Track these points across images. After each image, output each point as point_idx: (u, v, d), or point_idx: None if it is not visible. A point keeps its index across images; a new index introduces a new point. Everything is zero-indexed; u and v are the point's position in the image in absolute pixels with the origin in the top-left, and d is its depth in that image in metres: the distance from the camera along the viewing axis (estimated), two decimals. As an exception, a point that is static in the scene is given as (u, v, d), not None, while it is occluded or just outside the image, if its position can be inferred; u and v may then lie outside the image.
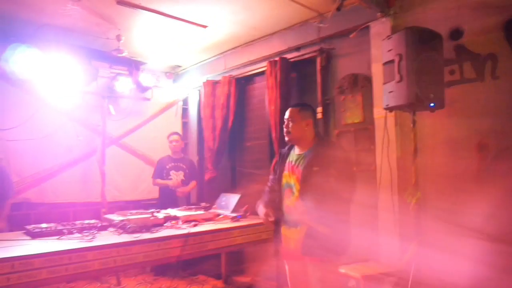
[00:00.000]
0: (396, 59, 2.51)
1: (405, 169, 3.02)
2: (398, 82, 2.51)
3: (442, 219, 2.85)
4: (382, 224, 3.12)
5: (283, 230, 2.31)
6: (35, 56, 3.71)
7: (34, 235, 2.64)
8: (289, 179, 2.29)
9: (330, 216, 2.12)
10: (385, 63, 2.66)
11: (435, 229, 2.87)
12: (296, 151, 2.35)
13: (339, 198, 2.10)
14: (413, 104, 2.48)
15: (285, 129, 2.33)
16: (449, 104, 2.73)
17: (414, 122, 2.64)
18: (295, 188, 2.23)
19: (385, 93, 2.66)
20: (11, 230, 3.10)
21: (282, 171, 2.35)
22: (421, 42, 2.48)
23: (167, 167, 4.47)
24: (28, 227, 2.81)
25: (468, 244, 2.68)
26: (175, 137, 4.55)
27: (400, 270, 2.60)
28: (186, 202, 4.52)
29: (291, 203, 2.24)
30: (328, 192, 2.07)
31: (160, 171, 4.47)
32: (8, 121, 4.03)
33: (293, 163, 2.30)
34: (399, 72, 2.50)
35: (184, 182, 4.45)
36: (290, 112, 2.34)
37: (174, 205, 3.91)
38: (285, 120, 2.34)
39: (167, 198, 4.32)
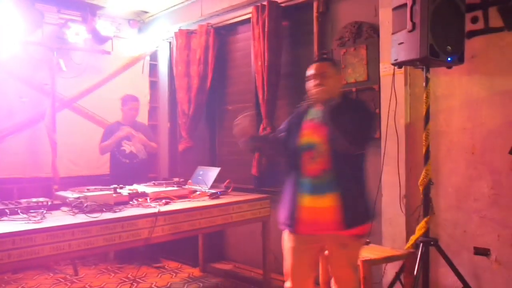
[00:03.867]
0: (409, 3, 2.47)
1: (415, 138, 3.05)
2: (410, 31, 2.48)
3: (456, 197, 2.91)
4: (386, 204, 3.18)
5: (304, 200, 2.27)
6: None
7: (-31, 216, 2.60)
8: (311, 138, 2.31)
9: (361, 172, 2.34)
10: (395, 8, 2.62)
11: (448, 209, 2.94)
12: (316, 108, 2.39)
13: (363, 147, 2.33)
14: (427, 58, 2.47)
15: (314, 83, 2.33)
16: (470, 59, 2.73)
17: (427, 81, 2.63)
18: (321, 148, 2.25)
19: (393, 45, 2.63)
20: None
21: (298, 131, 2.37)
22: (439, -18, 2.44)
23: None
24: (-38, 206, 2.77)
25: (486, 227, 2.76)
26: (136, 104, 4.53)
27: (406, 254, 2.66)
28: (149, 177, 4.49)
29: (316, 166, 2.26)
30: (357, 138, 2.21)
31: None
32: None
33: (315, 120, 2.35)
34: (411, 19, 2.47)
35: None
36: (321, 66, 2.38)
37: (132, 181, 3.85)
38: (311, 76, 2.36)
39: (122, 173, 4.30)
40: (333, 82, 2.35)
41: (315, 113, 2.37)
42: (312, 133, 2.32)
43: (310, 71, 2.38)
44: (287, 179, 2.39)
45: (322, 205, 2.24)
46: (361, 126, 2.22)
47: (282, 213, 2.38)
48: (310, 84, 2.37)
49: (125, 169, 4.35)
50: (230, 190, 3.65)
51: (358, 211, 2.25)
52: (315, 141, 2.29)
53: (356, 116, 2.21)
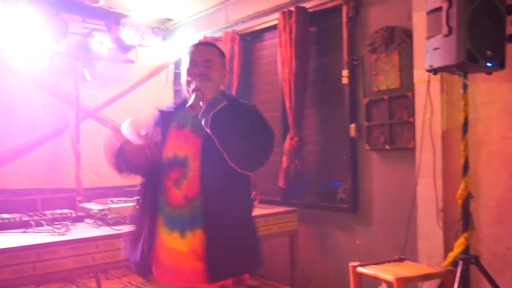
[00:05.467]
0: (444, 6, 2.43)
1: (452, 148, 2.99)
2: (446, 36, 2.45)
3: (498, 211, 2.83)
4: (421, 218, 3.12)
5: (162, 236, 1.74)
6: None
7: (-6, 227, 2.69)
8: (178, 151, 1.77)
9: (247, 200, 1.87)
10: (429, 12, 2.59)
11: (489, 224, 2.86)
12: (189, 110, 1.76)
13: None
14: (465, 64, 2.42)
15: (195, 74, 1.78)
16: (511, 64, 2.67)
17: (465, 87, 2.58)
18: (192, 164, 1.74)
19: (428, 51, 2.60)
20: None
21: (163, 141, 1.80)
22: (477, -16, 2.40)
23: None
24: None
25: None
26: None
27: (444, 272, 2.60)
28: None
29: (180, 191, 1.74)
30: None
31: None
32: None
33: (187, 127, 1.81)
34: (447, 23, 2.43)
35: None
36: (208, 52, 1.86)
37: None
38: (192, 64, 1.82)
39: None
40: (218, 77, 1.83)
41: (187, 117, 1.80)
42: (181, 145, 1.79)
43: (193, 57, 1.82)
44: (141, 205, 1.85)
45: (182, 247, 1.70)
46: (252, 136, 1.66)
47: (133, 252, 1.81)
48: (188, 75, 1.80)
49: None
50: (256, 202, 3.65)
51: (235, 256, 1.72)
52: (184, 156, 1.76)
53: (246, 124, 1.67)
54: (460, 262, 2.53)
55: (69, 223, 2.82)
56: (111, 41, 4.69)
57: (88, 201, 3.55)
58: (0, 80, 4.27)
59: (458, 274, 2.49)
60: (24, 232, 2.64)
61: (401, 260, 2.83)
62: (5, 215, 2.88)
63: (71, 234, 2.59)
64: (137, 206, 1.91)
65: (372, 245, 3.52)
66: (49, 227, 2.70)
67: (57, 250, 2.41)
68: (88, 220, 2.96)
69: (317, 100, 4.09)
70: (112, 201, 3.29)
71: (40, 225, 2.75)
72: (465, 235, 2.55)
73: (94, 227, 2.81)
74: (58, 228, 2.68)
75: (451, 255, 2.60)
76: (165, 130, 1.83)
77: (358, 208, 3.65)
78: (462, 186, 2.57)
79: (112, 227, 2.76)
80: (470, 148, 2.63)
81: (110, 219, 2.85)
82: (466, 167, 2.58)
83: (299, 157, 3.97)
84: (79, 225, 2.87)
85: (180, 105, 1.89)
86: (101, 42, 4.64)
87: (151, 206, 1.78)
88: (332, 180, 3.98)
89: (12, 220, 2.77)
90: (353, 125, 3.63)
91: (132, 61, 5.08)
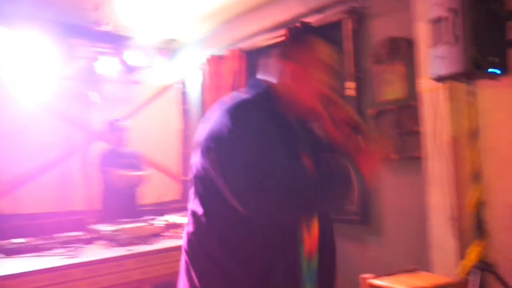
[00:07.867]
0: (448, 15, 2.45)
1: (462, 155, 2.97)
2: (451, 44, 2.45)
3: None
4: (433, 227, 3.09)
5: None
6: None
7: (8, 252, 2.71)
8: None
9: None
10: (431, 21, 2.60)
11: (504, 231, 2.83)
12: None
13: None
14: (471, 72, 2.42)
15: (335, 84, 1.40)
16: (516, 69, 2.66)
17: (471, 95, 2.58)
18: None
19: (433, 60, 2.60)
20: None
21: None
22: (478, -8, 2.42)
23: None
24: (1, 242, 2.88)
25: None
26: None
27: (459, 281, 2.56)
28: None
29: (312, 238, 1.38)
30: None
31: None
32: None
33: (310, 156, 1.40)
34: (451, 31, 2.44)
35: None
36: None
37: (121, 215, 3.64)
38: (332, 70, 1.44)
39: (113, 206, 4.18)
40: None
41: (303, 138, 1.39)
42: None
43: (335, 66, 1.40)
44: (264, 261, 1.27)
45: None
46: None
47: None
48: (329, 82, 1.36)
49: (120, 201, 4.39)
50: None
51: None
52: None
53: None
54: (476, 271, 2.49)
55: (81, 245, 2.83)
56: (119, 63, 4.75)
57: (99, 222, 3.55)
58: (9, 106, 4.32)
59: (475, 283, 2.46)
60: (38, 256, 2.65)
61: (414, 270, 2.80)
62: (19, 240, 2.90)
63: (84, 256, 2.59)
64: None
65: (385, 256, 3.48)
66: (62, 250, 2.71)
67: (71, 273, 2.42)
68: (100, 242, 2.97)
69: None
70: (121, 222, 3.29)
71: (53, 248, 2.76)
72: (479, 242, 2.52)
73: (106, 248, 2.81)
74: (71, 251, 2.69)
75: (467, 264, 2.56)
76: (296, 151, 1.31)
77: (370, 219, 3.62)
78: (472, 193, 2.55)
79: (124, 247, 2.76)
80: (480, 155, 2.61)
81: (121, 239, 2.85)
82: (476, 174, 2.56)
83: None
84: (91, 247, 2.88)
85: (272, 104, 1.31)
86: (109, 65, 4.71)
87: (284, 260, 1.28)
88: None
89: (25, 245, 2.79)
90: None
91: (139, 82, 5.14)
